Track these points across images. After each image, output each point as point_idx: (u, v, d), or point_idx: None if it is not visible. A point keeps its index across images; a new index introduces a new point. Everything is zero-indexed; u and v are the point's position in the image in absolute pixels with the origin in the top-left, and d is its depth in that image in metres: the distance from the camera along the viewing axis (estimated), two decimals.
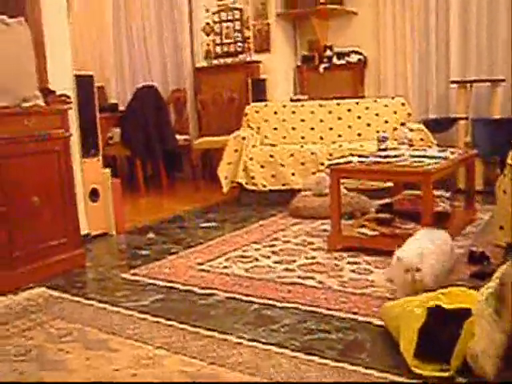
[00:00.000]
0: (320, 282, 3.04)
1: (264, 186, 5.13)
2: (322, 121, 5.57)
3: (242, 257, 3.59)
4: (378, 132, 5.03)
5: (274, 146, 5.37)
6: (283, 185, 5.10)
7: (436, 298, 2.11)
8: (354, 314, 2.59)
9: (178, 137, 6.59)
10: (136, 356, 2.26)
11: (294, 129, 5.59)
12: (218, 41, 6.93)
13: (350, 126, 5.50)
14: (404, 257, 2.61)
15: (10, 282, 3.15)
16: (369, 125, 5.44)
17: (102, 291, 3.11)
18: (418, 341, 2.02)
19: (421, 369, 2.00)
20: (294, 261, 3.45)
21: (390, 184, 4.49)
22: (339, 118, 5.54)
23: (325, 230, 4.06)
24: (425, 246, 2.69)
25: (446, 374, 1.97)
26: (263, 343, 2.32)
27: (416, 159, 3.53)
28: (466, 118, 5.42)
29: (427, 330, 2.04)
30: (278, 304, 2.76)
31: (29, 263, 3.28)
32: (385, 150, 3.97)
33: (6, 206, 3.14)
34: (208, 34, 6.99)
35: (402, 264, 2.59)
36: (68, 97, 3.64)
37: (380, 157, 3.67)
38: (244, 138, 5.25)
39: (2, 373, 2.18)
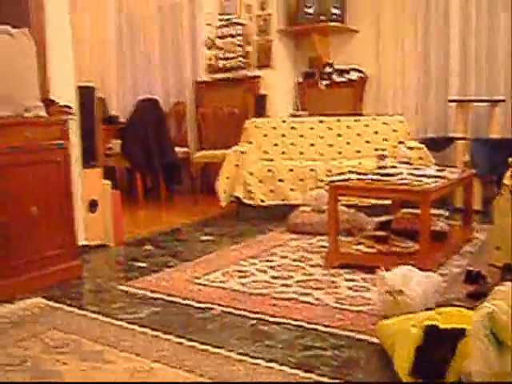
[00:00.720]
0: (317, 299, 3.04)
1: (262, 201, 5.14)
2: (321, 137, 5.60)
3: (240, 271, 3.59)
4: (376, 150, 5.06)
5: (273, 161, 5.39)
6: (282, 200, 5.12)
7: (432, 318, 2.11)
8: (350, 331, 2.59)
9: (177, 149, 6.61)
10: (131, 369, 2.26)
11: (293, 144, 5.61)
12: (220, 55, 6.98)
13: (349, 143, 5.52)
14: (387, 277, 2.62)
15: (6, 291, 3.14)
16: (368, 142, 5.47)
17: (99, 303, 3.11)
18: (413, 359, 2.03)
19: None
20: (292, 276, 3.45)
21: (388, 202, 4.51)
22: (339, 135, 5.57)
23: (322, 247, 4.07)
24: (410, 270, 2.70)
25: None
26: (259, 358, 2.32)
27: (415, 178, 3.54)
28: (465, 138, 5.45)
29: (422, 349, 2.04)
30: (275, 319, 2.76)
31: (25, 273, 3.28)
32: (384, 167, 3.99)
33: (5, 215, 3.15)
34: (210, 48, 7.04)
35: (384, 284, 2.60)
36: (70, 107, 3.66)
37: (379, 175, 3.68)
38: (243, 153, 5.27)
39: None
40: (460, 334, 2.02)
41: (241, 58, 6.82)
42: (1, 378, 2.22)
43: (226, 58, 6.95)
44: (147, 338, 2.58)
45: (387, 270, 2.76)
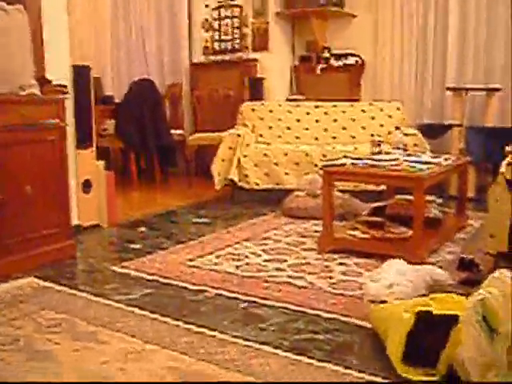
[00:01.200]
0: (310, 283, 3.05)
1: (257, 185, 5.14)
2: (317, 121, 5.59)
3: (233, 254, 3.59)
4: (372, 135, 5.05)
5: (268, 144, 5.37)
6: (276, 184, 5.11)
7: (425, 304, 2.12)
8: (343, 315, 2.60)
9: (172, 131, 6.58)
10: (124, 349, 2.27)
11: (289, 128, 5.59)
12: (217, 37, 6.93)
13: (344, 128, 5.51)
14: (370, 286, 2.60)
15: None
16: (364, 128, 5.45)
17: (92, 283, 3.10)
18: (405, 345, 2.04)
19: (407, 373, 2.02)
20: (285, 260, 3.46)
21: (382, 187, 4.51)
22: (334, 120, 5.56)
23: (316, 231, 4.08)
24: (395, 279, 2.63)
25: (432, 379, 1.98)
26: (251, 341, 2.33)
27: (409, 164, 3.54)
28: (461, 125, 5.44)
29: (415, 335, 2.05)
30: (268, 303, 2.77)
31: (19, 252, 3.27)
32: (379, 153, 3.98)
33: None
34: (207, 30, 6.99)
35: (368, 293, 2.59)
36: (64, 86, 3.63)
37: (374, 160, 3.68)
38: (239, 136, 5.25)
39: None
40: (453, 320, 2.03)
41: (237, 41, 6.77)
42: None
43: (223, 40, 6.90)
44: (140, 319, 2.58)
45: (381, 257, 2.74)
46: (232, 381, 2.01)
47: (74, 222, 3.89)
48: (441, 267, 3.02)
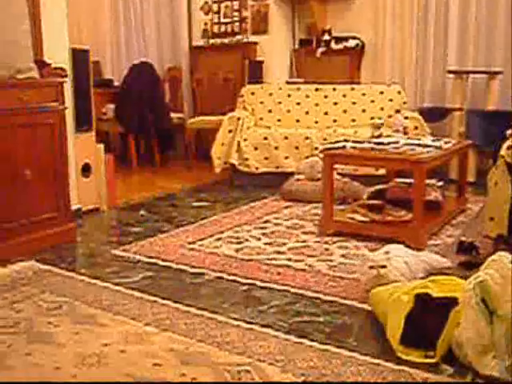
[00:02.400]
0: (310, 266, 3.05)
1: (257, 168, 5.13)
2: (317, 105, 5.57)
3: (233, 238, 3.60)
4: (372, 118, 5.03)
5: (268, 128, 5.36)
6: (276, 167, 5.11)
7: (424, 286, 2.13)
8: (343, 298, 2.61)
9: (172, 115, 6.56)
10: (124, 332, 2.27)
11: (289, 112, 5.57)
12: (216, 20, 6.88)
13: (345, 112, 5.49)
14: (370, 255, 2.64)
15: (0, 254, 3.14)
16: (364, 111, 5.43)
17: (92, 266, 3.11)
18: (404, 327, 2.05)
19: (406, 355, 2.03)
20: (285, 243, 3.46)
21: (383, 171, 4.51)
22: (335, 103, 5.54)
23: (316, 214, 4.08)
24: (393, 250, 2.71)
25: (431, 361, 1.99)
26: (251, 323, 2.34)
27: (410, 147, 3.53)
28: (462, 109, 5.42)
29: (414, 317, 2.06)
30: (268, 285, 2.78)
31: (19, 236, 3.28)
32: (379, 136, 3.97)
33: None
34: (206, 13, 6.94)
35: (367, 261, 2.63)
36: (63, 70, 3.61)
37: (374, 143, 3.67)
38: (239, 119, 5.24)
39: None
40: (452, 302, 2.04)
41: (237, 24, 6.73)
42: None
43: (222, 23, 6.85)
44: (140, 301, 2.59)
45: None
46: (244, 368, 2.02)
47: (74, 205, 3.88)
48: (439, 252, 3.03)
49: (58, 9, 3.94)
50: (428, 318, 2.08)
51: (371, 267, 2.60)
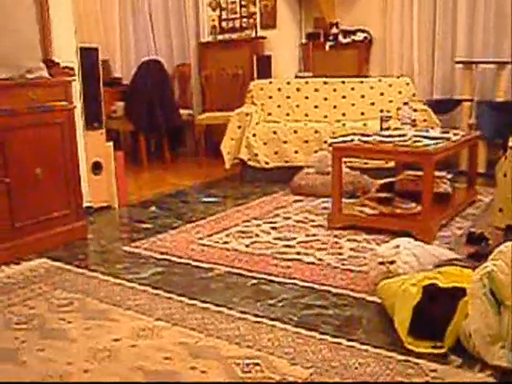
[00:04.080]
0: (319, 259, 3.07)
1: (266, 163, 5.14)
2: (326, 99, 5.56)
3: (243, 232, 3.62)
4: (381, 111, 5.03)
5: (277, 122, 5.36)
6: (286, 162, 5.12)
7: (432, 277, 2.13)
8: (352, 290, 2.63)
9: (181, 111, 6.58)
10: (135, 327, 2.30)
11: (297, 106, 5.57)
12: (224, 16, 6.89)
13: (353, 105, 5.49)
14: (379, 250, 2.64)
15: (12, 252, 3.18)
16: (373, 104, 5.43)
17: (104, 263, 3.14)
18: (412, 318, 2.06)
19: (414, 346, 2.04)
20: (294, 238, 3.47)
21: (392, 164, 4.50)
22: (343, 97, 5.53)
23: (325, 208, 4.08)
24: (402, 243, 2.71)
25: (439, 352, 2.00)
26: (261, 317, 2.36)
27: (418, 140, 3.53)
28: (471, 100, 5.40)
29: (422, 308, 2.07)
30: (277, 279, 2.80)
31: (31, 234, 3.31)
32: (388, 129, 3.97)
33: (10, 177, 3.16)
34: (214, 9, 6.95)
35: (376, 256, 2.63)
36: (72, 69, 3.63)
37: (383, 136, 3.67)
38: (248, 115, 5.25)
39: (3, 341, 2.22)
40: (460, 293, 2.04)
41: (245, 19, 6.73)
42: (9, 335, 2.26)
43: (230, 19, 6.86)
44: (151, 297, 2.62)
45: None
46: (253, 361, 2.04)
47: (85, 203, 3.92)
48: (449, 243, 3.03)
49: (66, 8, 3.97)
50: (436, 308, 2.09)
51: (381, 263, 2.60)
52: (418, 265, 2.55)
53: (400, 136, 3.63)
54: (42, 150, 3.35)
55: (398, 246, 2.65)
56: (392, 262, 2.55)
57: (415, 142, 3.48)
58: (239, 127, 5.23)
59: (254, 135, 5.14)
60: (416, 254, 2.62)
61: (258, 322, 2.31)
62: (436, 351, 2.01)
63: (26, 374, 1.97)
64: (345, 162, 3.82)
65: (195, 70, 7.09)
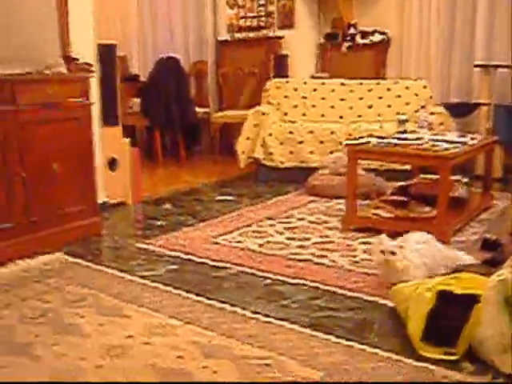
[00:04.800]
0: (332, 261, 3.06)
1: (281, 163, 5.14)
2: (342, 100, 5.55)
3: (257, 232, 3.62)
4: (398, 114, 5.00)
5: (293, 122, 5.35)
6: (301, 162, 5.11)
7: (446, 283, 2.12)
8: (365, 293, 2.62)
9: (197, 109, 6.60)
10: (148, 324, 2.32)
11: (314, 106, 5.57)
12: (242, 14, 6.89)
13: (370, 107, 5.47)
14: (383, 238, 2.68)
15: (27, 246, 3.21)
16: (389, 106, 5.40)
17: (118, 259, 3.16)
18: (425, 324, 2.05)
19: (427, 352, 2.03)
20: (308, 238, 3.47)
21: (406, 166, 4.48)
22: (360, 98, 5.51)
23: (340, 210, 4.07)
24: (408, 240, 2.74)
25: (451, 358, 1.99)
26: (273, 318, 2.36)
27: (435, 143, 3.51)
28: (489, 104, 5.36)
29: (435, 314, 2.06)
30: (290, 280, 2.80)
31: (47, 229, 3.34)
32: (404, 132, 3.95)
33: (26, 171, 3.18)
34: (232, 8, 6.95)
35: (379, 244, 2.65)
36: (90, 65, 3.65)
37: (399, 139, 3.65)
38: (264, 114, 5.25)
39: (18, 335, 2.24)
40: (474, 299, 2.03)
41: (263, 18, 6.73)
42: (23, 329, 2.28)
43: (248, 18, 6.86)
44: (164, 294, 2.63)
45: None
46: (265, 362, 2.05)
47: (101, 199, 3.94)
48: (463, 249, 3.01)
49: (84, 4, 3.99)
50: (450, 315, 2.08)
51: (381, 251, 2.63)
52: (422, 265, 2.57)
53: (417, 139, 3.61)
54: (58, 146, 3.38)
55: (407, 241, 2.66)
56: (393, 253, 2.57)
57: (432, 145, 3.46)
58: (255, 126, 5.23)
59: (271, 134, 5.14)
60: (424, 254, 2.63)
61: (271, 323, 2.32)
62: (448, 357, 2.00)
63: (39, 369, 1.99)
64: (359, 164, 3.80)
65: (212, 67, 7.10)
